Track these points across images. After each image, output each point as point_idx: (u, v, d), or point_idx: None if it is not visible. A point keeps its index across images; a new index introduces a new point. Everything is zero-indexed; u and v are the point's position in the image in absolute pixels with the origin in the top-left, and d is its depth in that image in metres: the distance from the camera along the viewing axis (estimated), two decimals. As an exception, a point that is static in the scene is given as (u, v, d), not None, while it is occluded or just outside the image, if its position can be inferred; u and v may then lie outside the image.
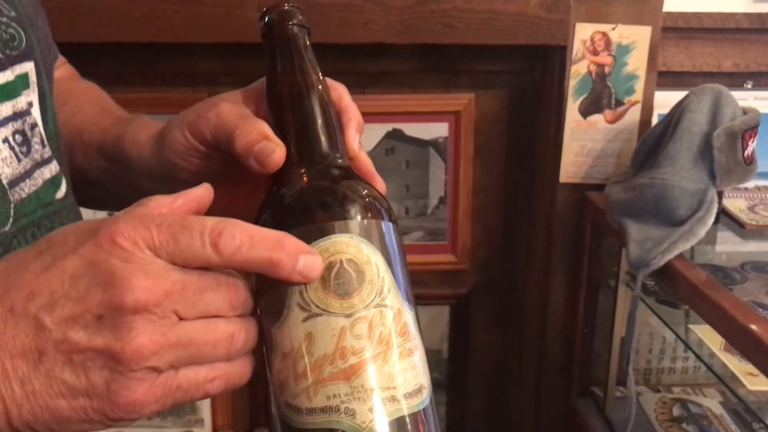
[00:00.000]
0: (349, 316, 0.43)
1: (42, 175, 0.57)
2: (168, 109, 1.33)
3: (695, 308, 1.17)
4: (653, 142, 1.33)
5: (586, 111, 1.46)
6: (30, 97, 0.58)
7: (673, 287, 1.21)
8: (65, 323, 0.40)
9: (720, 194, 1.25)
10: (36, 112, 0.58)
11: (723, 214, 1.31)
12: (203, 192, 0.47)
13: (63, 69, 0.77)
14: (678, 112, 1.28)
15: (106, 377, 0.40)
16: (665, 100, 1.42)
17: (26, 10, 0.62)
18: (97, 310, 0.40)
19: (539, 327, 1.63)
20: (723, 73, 1.54)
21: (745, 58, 1.54)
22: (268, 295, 0.45)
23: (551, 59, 1.48)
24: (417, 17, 1.38)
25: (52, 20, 0.71)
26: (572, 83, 1.45)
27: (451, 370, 1.74)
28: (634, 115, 1.46)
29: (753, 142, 1.24)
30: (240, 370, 0.44)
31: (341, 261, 0.44)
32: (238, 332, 0.43)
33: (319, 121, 0.51)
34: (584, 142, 1.47)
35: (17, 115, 0.55)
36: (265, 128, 0.51)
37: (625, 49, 1.43)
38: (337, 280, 0.44)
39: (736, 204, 1.40)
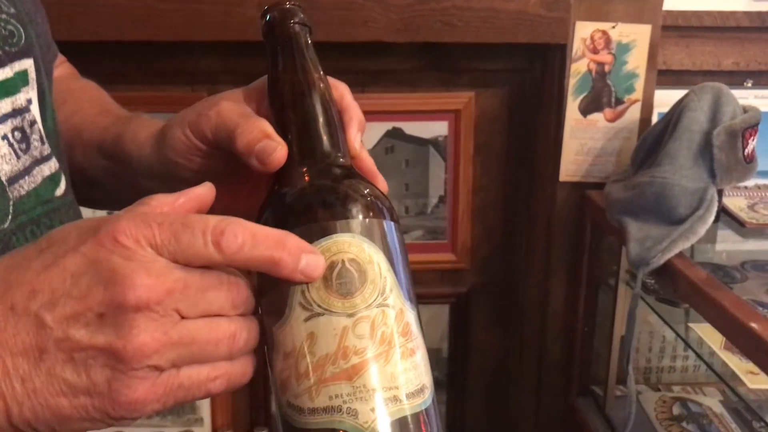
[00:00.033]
0: (351, 315, 0.43)
1: (41, 172, 0.57)
2: (168, 107, 1.34)
3: (695, 307, 1.17)
4: (653, 140, 1.33)
5: (586, 109, 1.46)
6: (29, 94, 0.57)
7: (674, 286, 1.21)
8: (66, 321, 0.40)
9: (720, 193, 1.25)
10: (35, 109, 0.58)
11: (723, 212, 1.31)
12: (205, 191, 0.46)
13: (62, 68, 0.77)
14: (678, 110, 1.28)
15: (107, 376, 0.40)
16: (665, 99, 1.42)
17: (25, 7, 0.62)
18: (99, 308, 0.40)
19: (539, 326, 1.62)
20: (723, 71, 1.54)
21: (745, 57, 1.54)
22: (270, 294, 0.45)
23: (551, 57, 1.48)
24: (417, 15, 1.38)
25: (51, 18, 0.71)
26: (572, 82, 1.45)
27: (450, 369, 1.74)
28: (634, 113, 1.46)
29: (753, 140, 1.24)
30: (242, 370, 0.44)
31: (343, 260, 0.44)
32: (240, 331, 0.43)
33: (321, 119, 0.51)
34: (584, 141, 1.47)
35: (16, 112, 0.55)
36: (267, 127, 0.51)
37: (625, 48, 1.43)
38: (339, 279, 0.43)
39: (736, 202, 1.40)
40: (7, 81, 0.55)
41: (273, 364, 0.45)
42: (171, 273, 0.40)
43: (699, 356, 1.36)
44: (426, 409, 0.44)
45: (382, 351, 0.43)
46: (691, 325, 1.34)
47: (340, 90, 0.55)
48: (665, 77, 1.49)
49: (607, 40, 1.42)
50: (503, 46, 1.44)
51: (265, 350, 0.46)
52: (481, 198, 1.65)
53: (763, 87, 1.53)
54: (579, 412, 1.56)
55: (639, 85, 1.45)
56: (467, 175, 1.61)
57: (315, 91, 0.52)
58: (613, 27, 1.42)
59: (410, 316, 0.45)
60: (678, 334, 1.40)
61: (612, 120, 1.46)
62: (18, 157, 0.54)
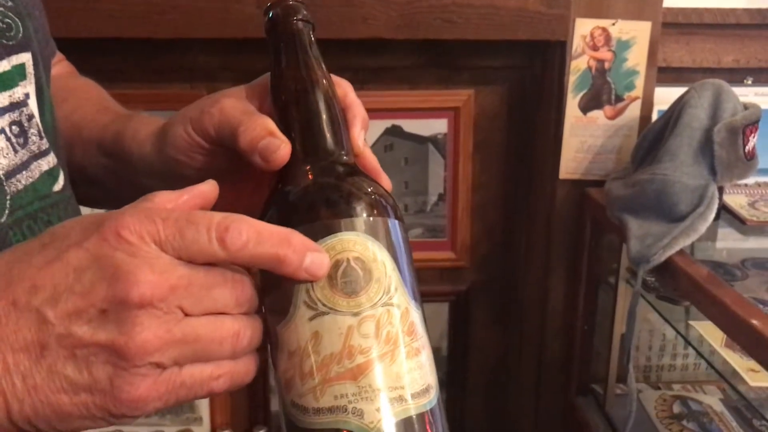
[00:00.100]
0: (356, 314, 0.43)
1: (39, 167, 0.56)
2: (166, 105, 1.33)
3: (696, 304, 1.17)
4: (653, 137, 1.33)
5: (586, 107, 1.46)
6: (27, 88, 0.57)
7: (674, 283, 1.21)
8: (68, 317, 0.39)
9: (721, 190, 1.25)
10: (33, 104, 0.57)
11: (724, 210, 1.31)
12: (209, 188, 0.46)
13: (61, 66, 0.77)
14: (678, 107, 1.28)
15: (109, 373, 0.40)
16: (665, 96, 1.42)
17: (23, 0, 0.61)
18: (102, 304, 0.39)
19: (539, 324, 1.62)
20: (723, 68, 1.53)
21: (746, 54, 1.54)
22: (274, 293, 0.44)
23: (551, 55, 1.48)
24: (417, 12, 1.37)
25: (49, 15, 0.70)
26: (572, 79, 1.44)
27: (450, 368, 1.74)
28: (634, 110, 1.46)
29: (754, 137, 1.24)
30: (245, 368, 0.44)
31: (348, 259, 0.44)
32: (244, 330, 0.42)
33: (325, 117, 0.51)
34: (584, 138, 1.47)
35: (14, 106, 0.55)
36: (270, 124, 0.51)
37: (625, 45, 1.43)
38: (344, 278, 0.43)
39: (736, 200, 1.40)
40: (4, 74, 0.54)
41: (277, 364, 0.45)
42: (175, 270, 0.40)
43: (700, 354, 1.36)
44: (431, 410, 0.44)
45: (387, 350, 0.43)
46: (691, 322, 1.34)
47: (344, 87, 0.55)
48: (665, 74, 1.49)
49: (607, 37, 1.42)
50: (503, 43, 1.44)
51: (267, 349, 0.46)
52: (481, 196, 1.64)
53: (763, 84, 1.52)
54: (579, 411, 1.55)
55: (639, 82, 1.45)
56: (467, 172, 1.61)
57: (318, 88, 0.51)
58: (613, 24, 1.41)
59: (415, 315, 0.45)
60: (678, 332, 1.40)
61: (612, 117, 1.46)
62: (15, 152, 0.54)
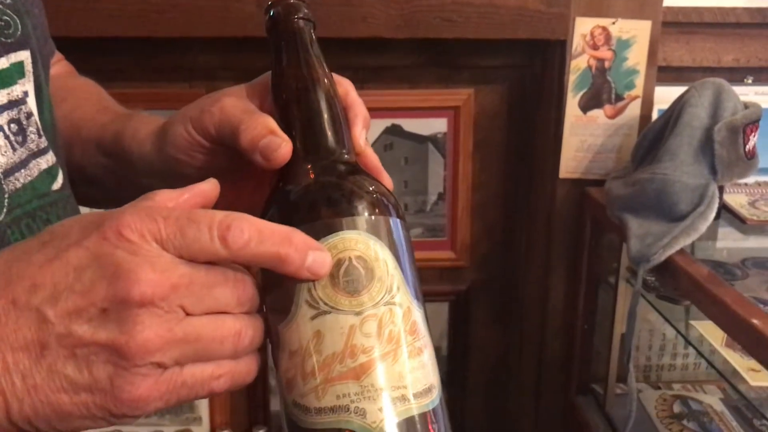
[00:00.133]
0: (358, 314, 0.42)
1: (38, 166, 0.56)
2: (166, 104, 1.33)
3: (697, 303, 1.17)
4: (654, 137, 1.33)
5: (586, 106, 1.46)
6: (26, 86, 0.57)
7: (675, 282, 1.21)
8: (69, 316, 0.39)
9: (721, 189, 1.25)
10: (32, 102, 0.57)
11: (724, 209, 1.31)
12: (210, 187, 0.46)
13: (60, 65, 0.77)
14: (679, 106, 1.27)
15: (109, 372, 0.39)
16: (665, 96, 1.42)
17: None
18: (102, 303, 0.39)
19: (539, 323, 1.62)
20: (723, 68, 1.53)
21: (746, 53, 1.54)
22: (275, 292, 0.44)
23: (551, 54, 1.48)
24: (416, 11, 1.37)
25: (49, 15, 0.70)
26: (572, 78, 1.44)
27: (450, 367, 1.74)
28: (634, 110, 1.45)
29: (754, 136, 1.24)
30: (246, 368, 0.44)
31: (350, 258, 0.43)
32: (246, 329, 0.42)
33: (326, 115, 0.51)
34: (584, 138, 1.47)
35: (12, 104, 0.54)
36: (271, 123, 0.51)
37: (625, 44, 1.42)
38: (346, 277, 0.43)
39: (737, 199, 1.40)
40: (2, 72, 0.54)
41: (278, 363, 0.44)
42: (176, 268, 0.40)
43: (700, 353, 1.36)
44: (434, 409, 0.44)
45: (389, 350, 0.42)
46: (691, 322, 1.34)
47: (345, 86, 0.55)
48: (665, 74, 1.49)
49: (607, 36, 1.42)
50: (503, 42, 1.44)
51: (268, 349, 0.45)
52: (481, 195, 1.64)
53: (763, 83, 1.52)
54: (579, 410, 1.55)
55: (639, 81, 1.44)
56: (467, 172, 1.61)
57: (320, 87, 0.51)
58: (613, 23, 1.41)
59: (417, 314, 0.45)
60: (679, 332, 1.40)
61: (612, 116, 1.46)
62: (14, 150, 0.53)
